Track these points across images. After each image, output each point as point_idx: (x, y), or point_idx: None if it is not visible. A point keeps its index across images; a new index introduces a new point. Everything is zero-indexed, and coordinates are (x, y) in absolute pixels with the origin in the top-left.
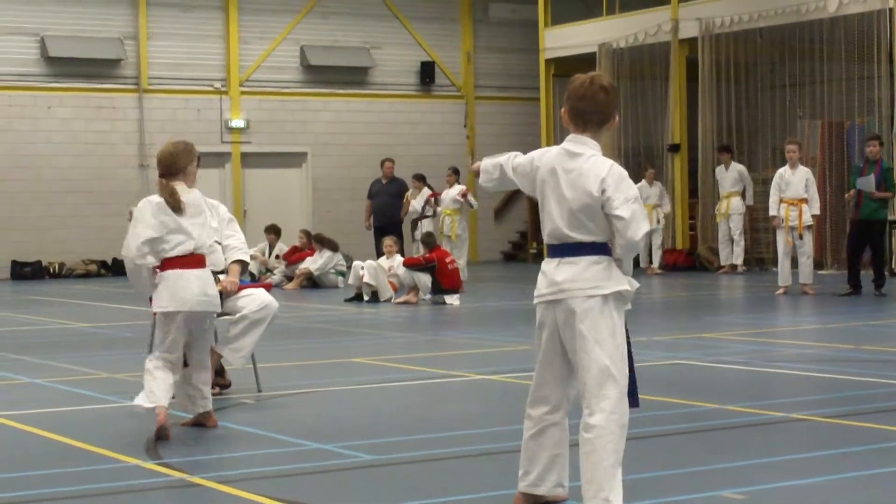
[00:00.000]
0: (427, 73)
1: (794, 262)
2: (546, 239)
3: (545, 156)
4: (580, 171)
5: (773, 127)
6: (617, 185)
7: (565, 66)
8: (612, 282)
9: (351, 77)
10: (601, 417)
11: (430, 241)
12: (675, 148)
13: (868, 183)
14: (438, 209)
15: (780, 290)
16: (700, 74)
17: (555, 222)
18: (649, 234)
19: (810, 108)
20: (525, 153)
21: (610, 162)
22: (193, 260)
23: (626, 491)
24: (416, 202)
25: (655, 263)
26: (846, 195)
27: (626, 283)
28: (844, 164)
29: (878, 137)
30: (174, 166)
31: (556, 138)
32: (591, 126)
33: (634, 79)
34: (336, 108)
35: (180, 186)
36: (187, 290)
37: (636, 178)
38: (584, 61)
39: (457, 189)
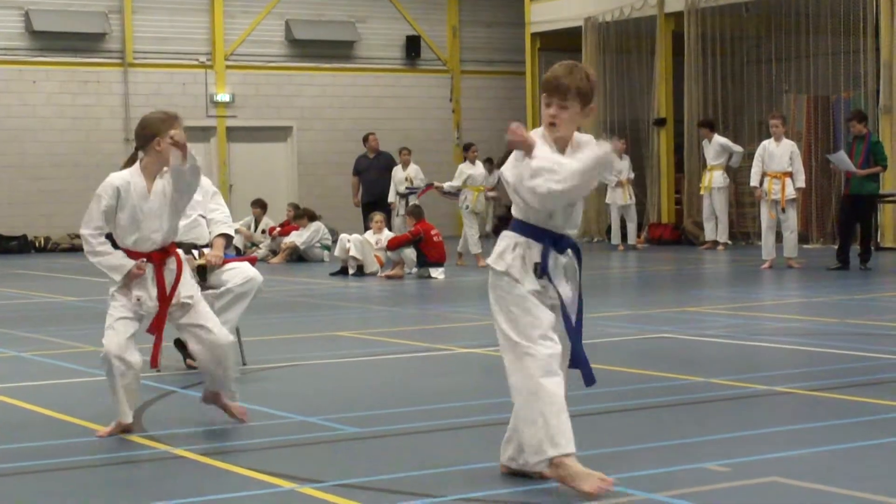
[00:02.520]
0: (413, 47)
1: (779, 237)
2: None
3: None
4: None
5: (759, 101)
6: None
7: (551, 40)
8: (493, 257)
9: (336, 51)
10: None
11: (417, 212)
12: (660, 122)
13: (840, 159)
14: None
15: (765, 265)
16: (686, 49)
17: None
18: (620, 210)
19: (796, 83)
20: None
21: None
22: None
23: (612, 463)
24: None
25: (632, 240)
26: (827, 156)
27: (495, 256)
28: (830, 138)
29: (856, 116)
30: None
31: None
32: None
33: (620, 53)
34: (321, 83)
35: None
36: None
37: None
38: (570, 35)
39: (480, 167)
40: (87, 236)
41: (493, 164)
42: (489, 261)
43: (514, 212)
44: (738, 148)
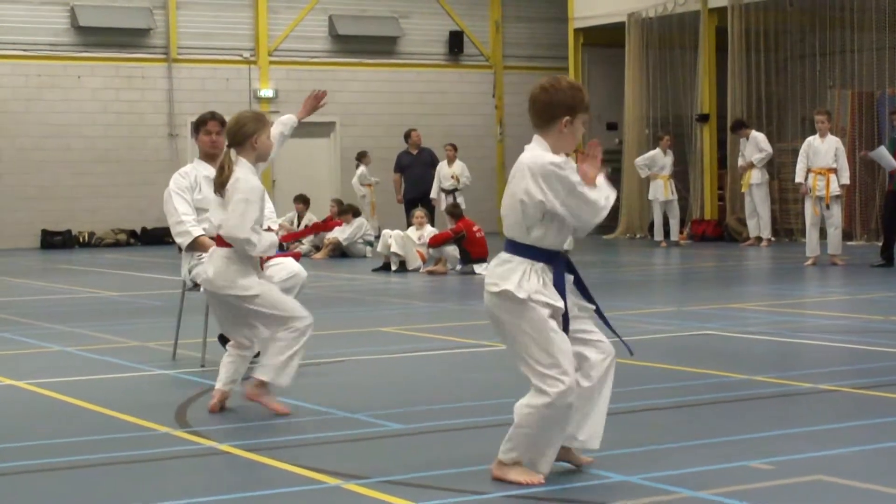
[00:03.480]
0: (455, 42)
1: (823, 233)
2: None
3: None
4: (517, 166)
5: (803, 97)
6: (544, 179)
7: (594, 36)
8: (505, 280)
9: (379, 47)
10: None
11: (456, 211)
12: (704, 118)
13: (881, 156)
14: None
15: (809, 261)
16: (729, 44)
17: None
18: (663, 205)
19: (840, 78)
20: None
21: (545, 157)
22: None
23: (654, 460)
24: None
25: (674, 236)
26: (861, 153)
27: (514, 283)
28: (874, 133)
29: None
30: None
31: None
32: (539, 125)
33: (663, 48)
34: (364, 78)
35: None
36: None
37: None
38: (614, 30)
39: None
40: (248, 239)
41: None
42: (508, 287)
43: (521, 237)
44: (767, 148)
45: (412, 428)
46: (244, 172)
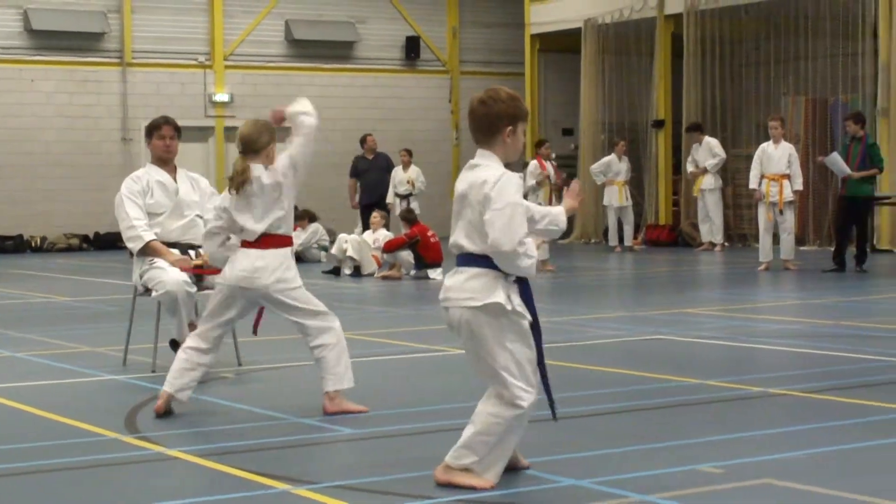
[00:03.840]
0: (412, 47)
1: (776, 239)
2: (451, 248)
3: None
4: (471, 182)
5: (758, 103)
6: (497, 193)
7: (551, 42)
8: (487, 293)
9: (336, 51)
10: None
11: (410, 217)
12: (659, 124)
13: (834, 162)
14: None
15: (762, 266)
16: (685, 50)
17: (455, 233)
18: (617, 211)
19: (794, 85)
20: None
21: (499, 172)
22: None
23: (604, 464)
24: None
25: (628, 241)
26: (818, 159)
27: (503, 296)
28: (828, 140)
29: (853, 116)
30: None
31: (541, 113)
32: (481, 139)
33: (620, 54)
34: (321, 83)
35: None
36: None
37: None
38: (570, 37)
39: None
40: None
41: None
42: (497, 300)
43: (477, 247)
44: (721, 154)
45: (364, 433)
46: (267, 173)
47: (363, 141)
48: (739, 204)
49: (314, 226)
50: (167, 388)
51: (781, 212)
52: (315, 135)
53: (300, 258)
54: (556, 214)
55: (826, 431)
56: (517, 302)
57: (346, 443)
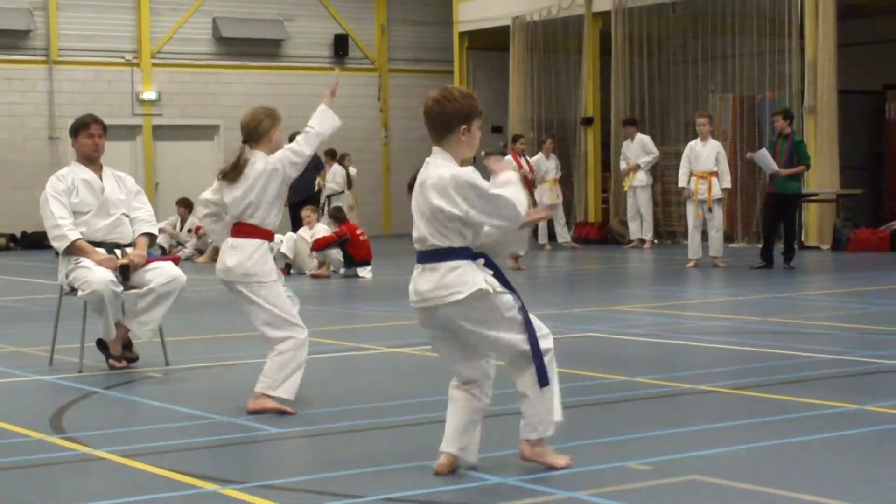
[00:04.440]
0: (341, 45)
1: (705, 236)
2: (414, 244)
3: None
4: (435, 180)
5: (686, 101)
6: (476, 192)
7: (479, 39)
8: (469, 284)
9: (264, 49)
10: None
11: (339, 215)
12: (588, 121)
13: (762, 158)
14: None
15: (691, 263)
16: (613, 48)
17: (418, 230)
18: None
19: (722, 83)
20: None
21: (456, 170)
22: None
23: (530, 464)
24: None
25: (563, 239)
26: (747, 155)
27: (483, 282)
28: (755, 138)
29: (783, 112)
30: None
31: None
32: (437, 138)
33: (548, 52)
34: (249, 81)
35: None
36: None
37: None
38: (498, 34)
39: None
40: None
41: None
42: (480, 286)
43: (459, 242)
44: (654, 151)
45: (291, 432)
46: (262, 159)
47: (291, 139)
48: (669, 201)
49: None
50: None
51: (710, 209)
52: (314, 140)
53: None
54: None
55: (753, 428)
56: (496, 283)
57: (273, 442)
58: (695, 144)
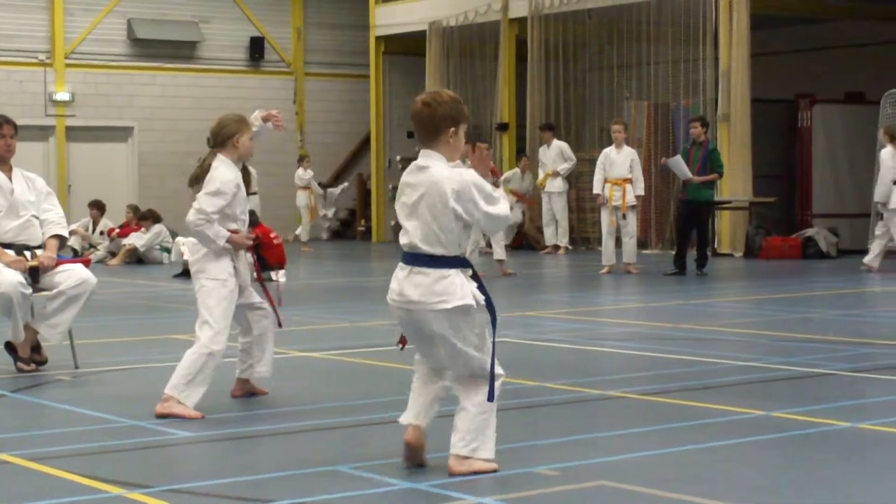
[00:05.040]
0: (256, 48)
1: (619, 242)
2: (403, 247)
3: (403, 174)
4: (430, 183)
5: (601, 107)
6: (469, 191)
7: (396, 44)
8: (457, 296)
9: (179, 51)
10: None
11: (252, 218)
12: (503, 127)
13: (677, 164)
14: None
15: (604, 270)
16: (529, 54)
17: (409, 234)
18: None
19: (637, 90)
20: (358, 131)
21: (453, 171)
22: None
23: (441, 467)
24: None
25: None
26: (661, 160)
27: (471, 296)
28: (670, 145)
29: (700, 119)
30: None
31: (386, 115)
32: (426, 140)
33: (464, 57)
34: (164, 83)
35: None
36: None
37: None
38: (415, 39)
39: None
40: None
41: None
42: (468, 301)
43: (453, 250)
44: (572, 157)
45: (200, 436)
46: (222, 166)
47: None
48: (583, 207)
49: (158, 227)
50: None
51: (624, 216)
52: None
53: (142, 260)
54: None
55: (661, 434)
56: (480, 298)
57: (182, 446)
58: (609, 151)
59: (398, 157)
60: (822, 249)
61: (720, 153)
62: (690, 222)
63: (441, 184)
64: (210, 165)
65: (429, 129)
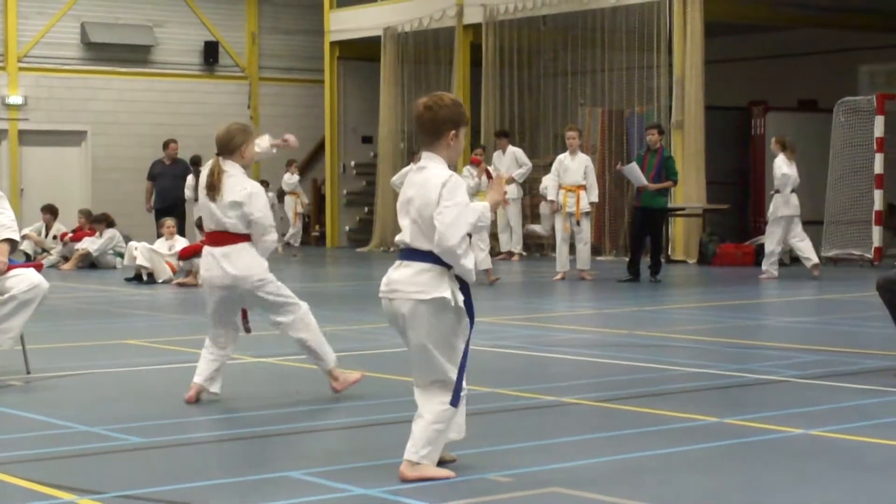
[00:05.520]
0: (211, 52)
1: (573, 249)
2: (398, 244)
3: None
4: (422, 183)
5: (555, 114)
6: (448, 192)
7: (350, 49)
8: (435, 288)
9: (133, 55)
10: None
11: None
12: None
13: (632, 171)
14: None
15: (558, 276)
16: (484, 60)
17: (403, 230)
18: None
19: (591, 96)
20: (312, 136)
21: (447, 174)
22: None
23: (394, 473)
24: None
25: None
26: (616, 167)
27: (449, 291)
28: (624, 151)
29: (657, 126)
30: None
31: (341, 121)
32: (427, 142)
33: (419, 63)
34: (118, 87)
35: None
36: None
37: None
38: (370, 44)
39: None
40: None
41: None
42: (444, 294)
43: (424, 245)
44: (527, 163)
45: (152, 442)
46: (242, 175)
47: (165, 145)
48: (537, 214)
49: (111, 231)
50: (197, 379)
51: (578, 222)
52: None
53: (95, 264)
54: (483, 210)
55: (615, 440)
56: (460, 299)
57: (134, 452)
58: (564, 158)
59: (353, 163)
60: None
61: (675, 161)
62: (644, 229)
63: (432, 183)
64: (222, 173)
65: (430, 131)
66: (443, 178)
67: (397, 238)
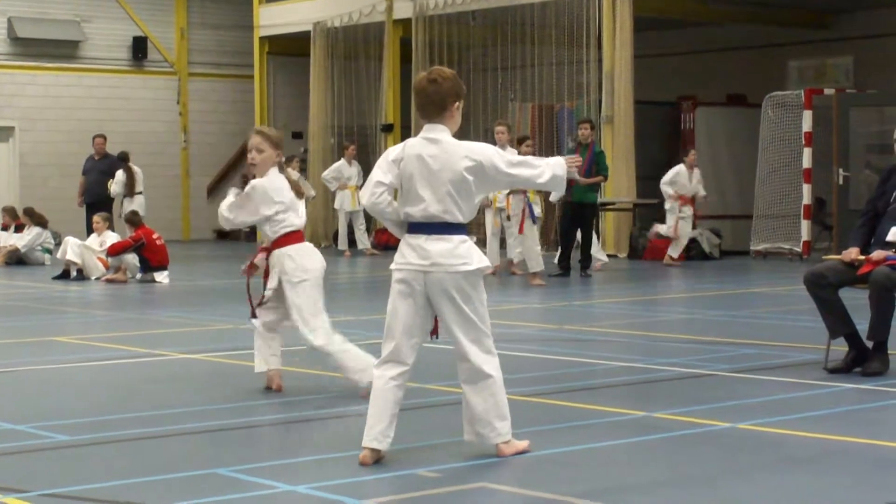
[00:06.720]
0: (139, 48)
1: (503, 243)
2: (415, 217)
3: (406, 148)
4: (446, 154)
5: (485, 109)
6: (500, 158)
7: (280, 44)
8: (477, 258)
9: (60, 50)
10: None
11: (135, 219)
12: (388, 128)
13: None
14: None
15: (489, 271)
16: (414, 55)
17: (426, 203)
18: (348, 215)
19: (521, 91)
20: (242, 132)
21: (473, 144)
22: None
23: (321, 470)
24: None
25: (363, 245)
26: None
27: (487, 262)
28: (554, 146)
29: (589, 121)
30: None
31: (271, 116)
32: (433, 114)
33: (349, 58)
34: (45, 82)
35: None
36: None
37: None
38: (299, 40)
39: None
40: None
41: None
42: (486, 262)
43: (469, 216)
44: None
45: (79, 440)
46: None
47: (94, 140)
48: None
49: (39, 228)
50: (273, 366)
51: (508, 217)
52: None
53: (22, 261)
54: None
55: (543, 435)
56: (489, 263)
57: (60, 450)
58: None
59: (283, 159)
60: (704, 251)
61: (605, 156)
62: (575, 224)
63: (459, 154)
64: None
65: (436, 103)
66: (475, 149)
67: (414, 210)
